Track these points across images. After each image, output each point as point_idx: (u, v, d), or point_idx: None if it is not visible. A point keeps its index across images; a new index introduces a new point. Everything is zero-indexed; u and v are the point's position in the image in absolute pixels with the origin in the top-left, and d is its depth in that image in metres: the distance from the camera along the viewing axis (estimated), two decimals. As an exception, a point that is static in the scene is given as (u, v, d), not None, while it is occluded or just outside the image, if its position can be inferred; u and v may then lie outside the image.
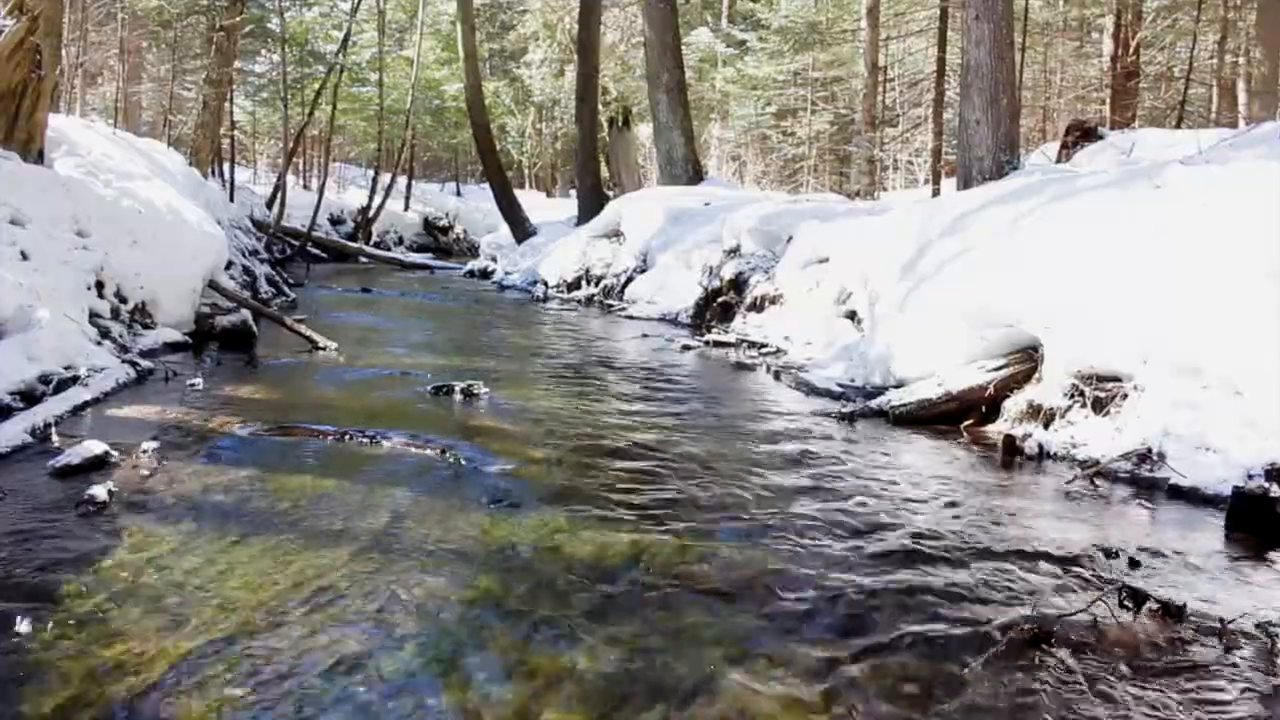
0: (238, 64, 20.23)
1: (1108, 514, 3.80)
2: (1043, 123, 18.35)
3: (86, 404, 4.77)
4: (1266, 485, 3.58)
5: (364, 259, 17.76)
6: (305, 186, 23.24)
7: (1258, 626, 2.64)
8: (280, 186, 16.52)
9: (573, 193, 21.99)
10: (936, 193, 10.52)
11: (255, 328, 7.28)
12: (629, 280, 11.77)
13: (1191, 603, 2.76)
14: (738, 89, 23.88)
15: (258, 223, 14.63)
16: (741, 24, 25.29)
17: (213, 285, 8.02)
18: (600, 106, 17.45)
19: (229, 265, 9.49)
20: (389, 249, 20.42)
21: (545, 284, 13.21)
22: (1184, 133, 8.88)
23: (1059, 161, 8.73)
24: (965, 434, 5.04)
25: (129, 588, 2.68)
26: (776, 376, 6.70)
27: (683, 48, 16.47)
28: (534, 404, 5.52)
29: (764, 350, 7.84)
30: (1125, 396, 4.48)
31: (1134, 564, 3.15)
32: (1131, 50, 14.06)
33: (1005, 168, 7.72)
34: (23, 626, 2.41)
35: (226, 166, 17.92)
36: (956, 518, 3.62)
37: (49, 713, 2.07)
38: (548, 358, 7.59)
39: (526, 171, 32.47)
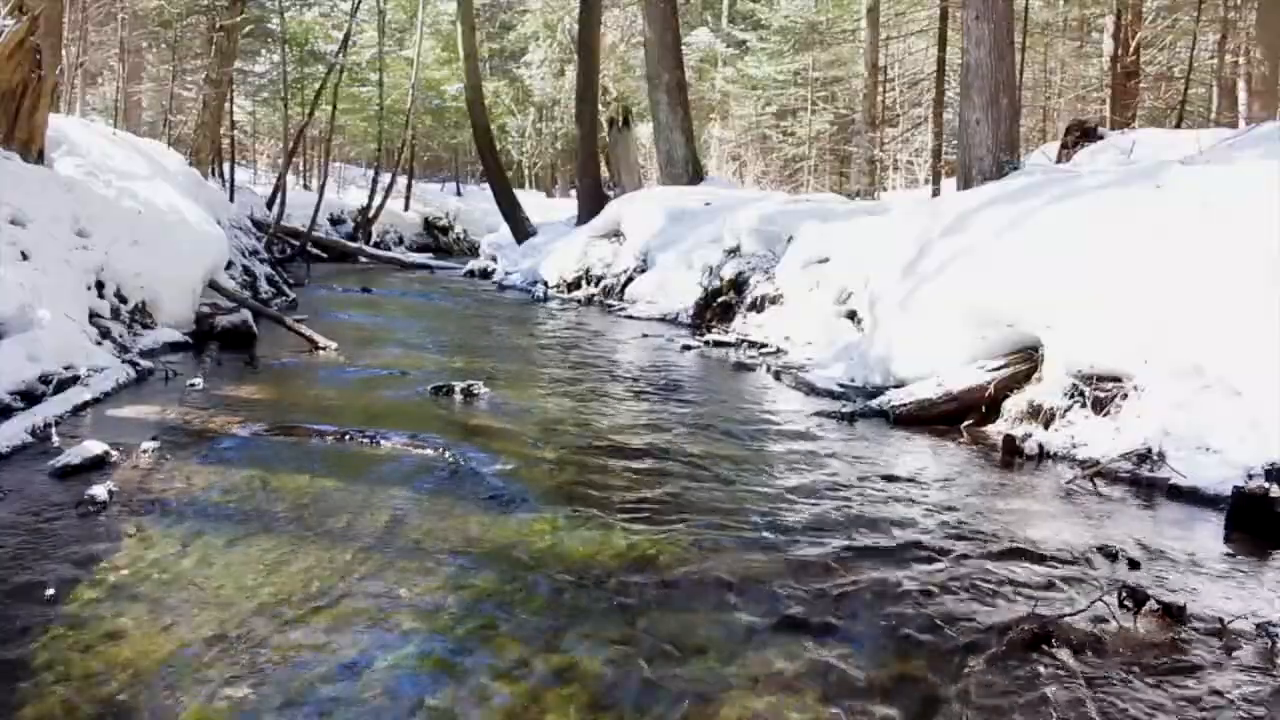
0: (238, 64, 20.24)
1: (1108, 514, 3.80)
2: (1043, 123, 18.35)
3: (87, 404, 4.76)
4: (1266, 485, 3.58)
5: (364, 259, 17.75)
6: (305, 186, 23.26)
7: (1258, 626, 2.64)
8: (280, 186, 16.51)
9: (573, 193, 22.01)
10: (936, 193, 10.51)
11: (255, 328, 7.28)
12: (629, 280, 11.76)
13: (1191, 603, 2.76)
14: (738, 89, 23.90)
15: (258, 223, 14.62)
16: (741, 24, 25.31)
17: (213, 285, 8.02)
18: (600, 106, 17.45)
19: (229, 265, 9.50)
20: (389, 249, 20.40)
21: (545, 284, 13.20)
22: (1184, 133, 8.87)
23: (1059, 161, 8.72)
24: (965, 434, 5.04)
25: (129, 588, 2.68)
26: (777, 377, 6.70)
27: (683, 48, 16.47)
28: (534, 404, 5.52)
29: (764, 350, 7.84)
30: (1125, 396, 4.48)
31: (1134, 564, 3.15)
32: (1131, 50, 14.05)
33: (1005, 168, 7.71)
34: (23, 626, 2.41)
35: (226, 166, 17.93)
36: (956, 518, 3.62)
37: (49, 713, 2.07)
38: (548, 358, 7.59)
39: (526, 171, 32.47)
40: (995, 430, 4.97)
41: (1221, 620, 2.67)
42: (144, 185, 7.88)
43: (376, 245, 20.00)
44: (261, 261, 12.13)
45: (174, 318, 7.11)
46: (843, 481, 4.07)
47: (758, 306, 9.06)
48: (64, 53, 13.02)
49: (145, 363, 5.80)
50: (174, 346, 6.71)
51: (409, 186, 24.77)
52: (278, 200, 16.10)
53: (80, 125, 9.16)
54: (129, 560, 2.87)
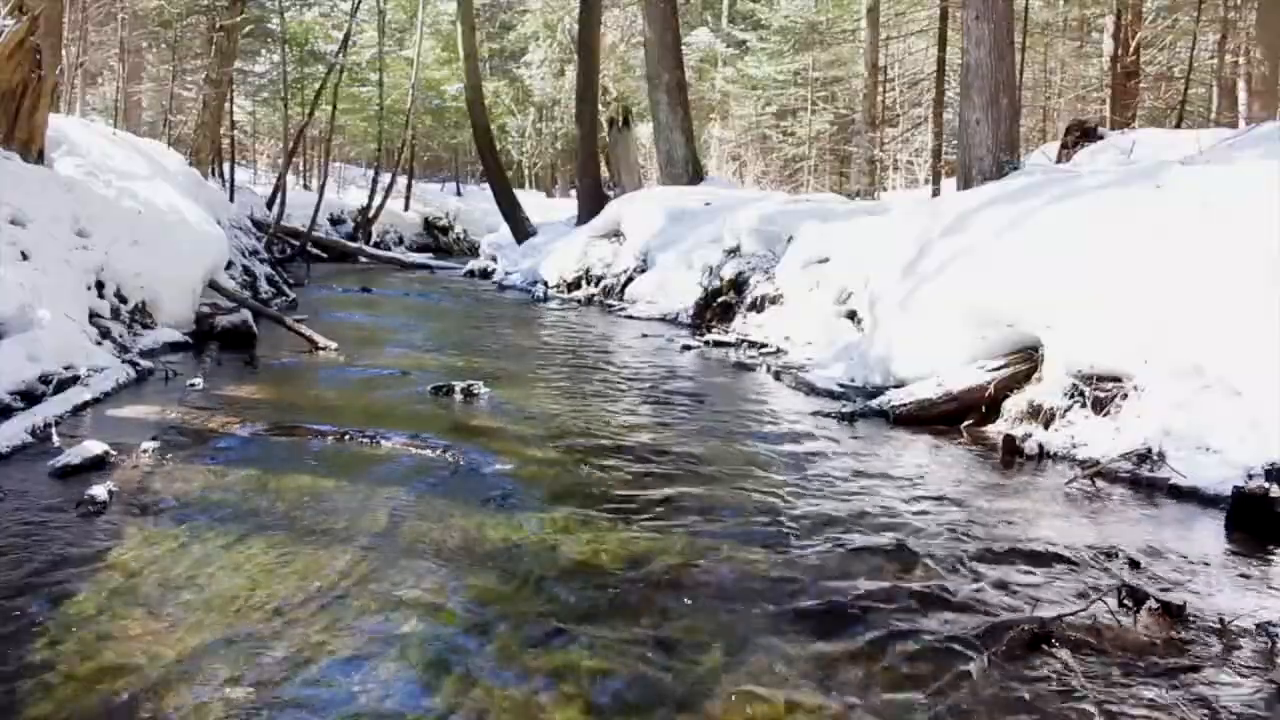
0: (238, 64, 20.25)
1: (1108, 514, 3.80)
2: (1043, 123, 18.35)
3: (87, 404, 4.76)
4: (1266, 485, 3.58)
5: (364, 259, 17.74)
6: (305, 186, 23.26)
7: (1258, 626, 2.64)
8: (280, 186, 16.51)
9: (573, 193, 22.01)
10: (936, 193, 10.51)
11: (255, 328, 7.27)
12: (629, 280, 11.76)
13: (1191, 603, 2.76)
14: (738, 89, 23.91)
15: (258, 223, 14.62)
16: (741, 24, 25.33)
17: (213, 285, 8.02)
18: (600, 106, 17.45)
19: (229, 265, 9.50)
20: (389, 249, 20.39)
21: (545, 284, 13.20)
22: (1184, 133, 8.87)
23: (1059, 161, 8.72)
24: (965, 434, 5.04)
25: (129, 588, 2.68)
26: (777, 377, 6.70)
27: (683, 48, 16.47)
28: (534, 404, 5.52)
29: (764, 350, 7.84)
30: (1125, 396, 4.48)
31: (1134, 564, 3.15)
32: (1131, 50, 14.05)
33: (1005, 168, 7.71)
34: (23, 626, 2.41)
35: (226, 166, 17.93)
36: (957, 518, 3.62)
37: (49, 713, 2.07)
38: (548, 358, 7.59)
39: (526, 171, 32.48)
40: (995, 430, 4.97)
41: (1221, 620, 2.67)
42: (144, 185, 7.88)
43: (376, 245, 19.99)
44: (261, 261, 12.13)
45: (174, 318, 7.11)
46: (843, 482, 4.07)
47: (758, 306, 9.05)
48: (64, 53, 13.02)
49: (145, 363, 5.80)
50: (174, 346, 6.71)
51: (409, 186, 24.76)
52: (278, 200, 16.09)
53: (80, 125, 9.16)
54: (129, 560, 2.87)
